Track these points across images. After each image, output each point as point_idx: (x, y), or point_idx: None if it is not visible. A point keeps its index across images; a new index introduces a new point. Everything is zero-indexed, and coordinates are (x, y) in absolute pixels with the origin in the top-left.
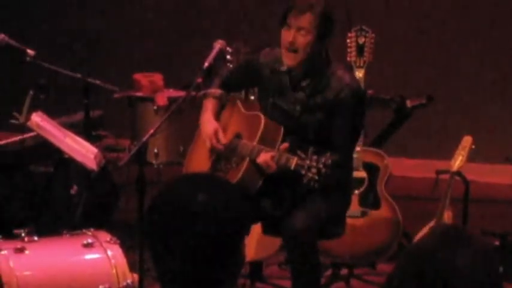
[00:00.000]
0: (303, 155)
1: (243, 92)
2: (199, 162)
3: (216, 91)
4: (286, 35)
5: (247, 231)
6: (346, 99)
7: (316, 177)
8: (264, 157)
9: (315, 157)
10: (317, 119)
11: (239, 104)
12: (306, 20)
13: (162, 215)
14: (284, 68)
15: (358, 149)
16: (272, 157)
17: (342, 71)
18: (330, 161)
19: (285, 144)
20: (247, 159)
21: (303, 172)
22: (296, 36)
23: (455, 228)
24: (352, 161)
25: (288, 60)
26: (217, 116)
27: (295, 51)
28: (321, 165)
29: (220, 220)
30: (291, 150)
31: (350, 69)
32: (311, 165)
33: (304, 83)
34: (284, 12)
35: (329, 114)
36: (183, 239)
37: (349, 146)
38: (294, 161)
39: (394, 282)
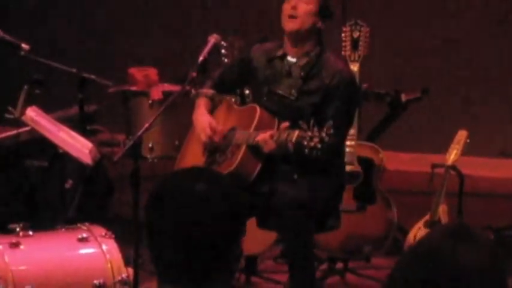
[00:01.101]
0: (304, 126)
1: (237, 91)
2: (192, 158)
3: (208, 91)
4: (289, 3)
5: (244, 223)
6: (340, 84)
7: (319, 146)
8: (262, 135)
9: (316, 128)
10: (312, 103)
11: (232, 103)
12: None
13: (161, 206)
14: (280, 53)
15: (353, 143)
16: (271, 135)
17: (335, 57)
18: (331, 130)
19: (285, 124)
20: (244, 146)
21: (305, 143)
22: (298, 3)
23: (460, 225)
24: (345, 146)
25: (288, 26)
26: (210, 114)
27: (294, 17)
28: (323, 134)
29: (219, 210)
30: (293, 127)
31: (343, 57)
32: (313, 135)
33: (298, 68)
34: None
35: (323, 98)
36: (181, 230)
37: (343, 130)
38: (295, 134)
39: (397, 282)
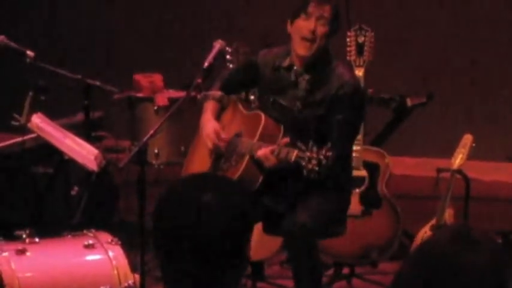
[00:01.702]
0: (303, 147)
1: (243, 94)
2: (199, 162)
3: (216, 93)
4: (307, 24)
5: (250, 231)
6: (346, 95)
7: (317, 168)
8: (263, 151)
9: (315, 149)
10: (317, 115)
11: (239, 105)
12: (327, 10)
13: (167, 215)
14: (286, 63)
15: (358, 148)
16: (272, 151)
17: (342, 68)
18: (330, 153)
19: (285, 139)
20: (247, 156)
21: (303, 164)
22: (316, 24)
23: (465, 228)
24: (351, 157)
25: (302, 50)
26: (218, 118)
27: (312, 40)
28: (321, 156)
29: (226, 219)
30: (292, 145)
31: (350, 66)
32: (311, 156)
33: (304, 79)
34: (303, 2)
35: (329, 110)
36: (188, 239)
37: (348, 142)
38: (294, 154)
39: (401, 283)
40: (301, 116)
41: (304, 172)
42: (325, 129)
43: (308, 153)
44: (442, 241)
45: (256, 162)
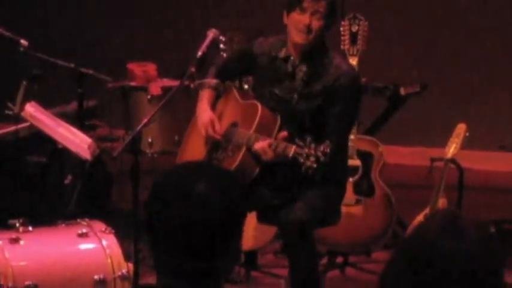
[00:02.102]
0: (301, 143)
1: (237, 82)
2: (194, 151)
3: (211, 81)
4: (302, 18)
5: (243, 221)
6: (344, 86)
7: (315, 166)
8: (261, 144)
9: (313, 145)
10: (314, 107)
11: (235, 92)
12: (322, 5)
13: (161, 204)
14: (283, 54)
15: (352, 137)
16: (269, 144)
17: (339, 59)
18: (328, 149)
19: (284, 133)
20: (244, 147)
21: (301, 160)
22: (311, 19)
23: (453, 215)
24: (347, 148)
25: (299, 38)
26: (214, 106)
27: (308, 32)
28: (319, 153)
29: (219, 209)
30: (289, 140)
31: (344, 56)
32: (309, 153)
33: (301, 71)
34: None
35: (326, 101)
36: (181, 228)
37: (344, 132)
38: (292, 150)
39: (392, 269)
40: (297, 107)
41: (302, 168)
42: (321, 120)
43: (306, 150)
44: (431, 228)
45: (253, 155)
